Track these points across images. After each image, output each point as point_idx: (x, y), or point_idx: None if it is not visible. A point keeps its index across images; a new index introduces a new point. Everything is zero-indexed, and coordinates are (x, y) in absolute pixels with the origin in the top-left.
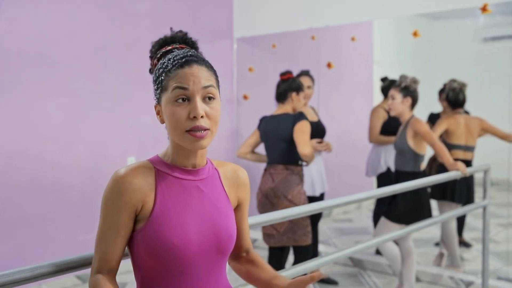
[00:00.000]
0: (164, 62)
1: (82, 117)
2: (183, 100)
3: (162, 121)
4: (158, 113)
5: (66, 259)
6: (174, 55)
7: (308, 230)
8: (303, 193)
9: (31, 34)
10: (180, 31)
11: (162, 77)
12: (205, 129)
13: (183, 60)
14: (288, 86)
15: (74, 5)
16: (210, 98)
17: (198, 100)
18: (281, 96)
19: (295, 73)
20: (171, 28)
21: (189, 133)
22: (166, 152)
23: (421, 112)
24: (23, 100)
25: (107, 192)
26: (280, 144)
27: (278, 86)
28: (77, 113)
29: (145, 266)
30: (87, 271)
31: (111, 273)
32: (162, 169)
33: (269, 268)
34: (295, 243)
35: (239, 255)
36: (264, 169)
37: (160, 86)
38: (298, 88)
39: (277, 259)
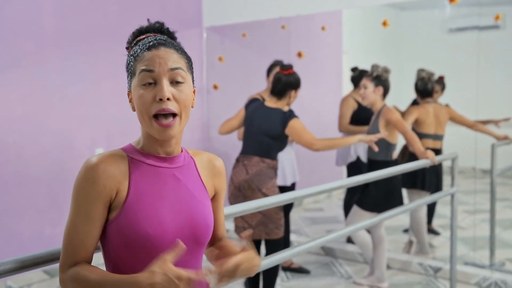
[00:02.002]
0: (134, 48)
1: (46, 108)
2: (150, 83)
3: (134, 108)
4: (130, 100)
5: (32, 255)
6: (144, 41)
7: (281, 223)
8: (276, 187)
9: None
10: (157, 22)
11: (132, 63)
12: (173, 114)
13: (151, 43)
14: (289, 83)
15: None
16: (178, 82)
17: (165, 82)
18: (281, 92)
19: (267, 63)
20: (148, 20)
21: (156, 121)
22: (139, 140)
23: (389, 101)
24: None
25: (79, 181)
26: (261, 137)
27: (278, 80)
28: (41, 104)
29: (117, 258)
30: (54, 266)
31: (88, 263)
32: (135, 157)
33: (236, 249)
34: (267, 236)
35: (212, 243)
36: (237, 159)
37: (130, 72)
38: (298, 85)
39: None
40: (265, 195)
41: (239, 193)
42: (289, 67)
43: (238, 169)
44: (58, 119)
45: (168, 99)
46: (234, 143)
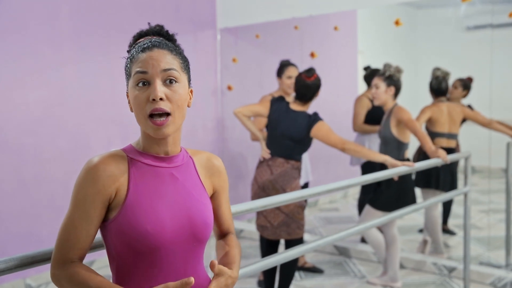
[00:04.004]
0: (131, 51)
1: (63, 110)
2: (143, 84)
3: (132, 109)
4: (129, 101)
5: (42, 250)
6: (139, 44)
7: (302, 223)
8: (299, 188)
9: (10, 24)
10: (158, 25)
11: (128, 65)
12: (166, 113)
13: (145, 45)
14: (317, 87)
15: None
16: (171, 81)
17: (158, 82)
18: (309, 98)
19: (277, 62)
20: (149, 23)
21: (150, 120)
22: (138, 141)
23: (405, 101)
24: (2, 93)
25: (80, 180)
26: (285, 141)
27: (307, 87)
28: (58, 106)
29: (120, 256)
30: None
31: (81, 260)
32: (135, 157)
33: (231, 255)
34: (288, 237)
35: (222, 235)
36: (260, 160)
37: (127, 74)
38: (320, 86)
39: (273, 250)
40: None
41: (262, 193)
42: (313, 72)
43: (262, 169)
44: (75, 121)
45: (161, 99)
46: (249, 144)
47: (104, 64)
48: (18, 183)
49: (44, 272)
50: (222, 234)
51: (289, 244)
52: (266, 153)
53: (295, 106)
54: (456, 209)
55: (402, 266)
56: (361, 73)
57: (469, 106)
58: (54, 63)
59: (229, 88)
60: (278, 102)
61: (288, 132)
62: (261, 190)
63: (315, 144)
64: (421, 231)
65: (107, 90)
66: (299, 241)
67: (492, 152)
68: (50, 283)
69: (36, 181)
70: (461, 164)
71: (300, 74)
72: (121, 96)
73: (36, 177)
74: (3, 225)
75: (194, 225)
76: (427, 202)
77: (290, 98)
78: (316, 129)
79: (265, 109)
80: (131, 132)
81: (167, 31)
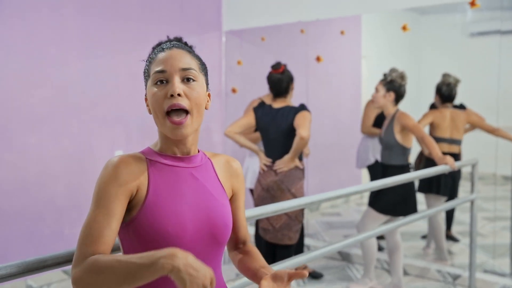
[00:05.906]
0: (150, 54)
1: (67, 110)
2: (162, 82)
3: (150, 111)
4: (148, 104)
5: (53, 254)
6: (159, 47)
7: (300, 227)
8: (303, 188)
9: (14, 23)
10: (176, 38)
11: (147, 66)
12: (185, 112)
13: (164, 46)
14: (289, 78)
15: None
16: (189, 79)
17: (176, 79)
18: (285, 90)
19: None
20: (167, 36)
21: (168, 119)
22: (156, 143)
23: (408, 106)
24: (7, 92)
25: (101, 178)
26: (281, 140)
27: (279, 81)
28: (61, 105)
29: None
30: None
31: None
32: (154, 159)
33: (260, 258)
34: (290, 242)
35: (237, 246)
36: (262, 171)
37: (146, 76)
38: (292, 77)
39: (272, 253)
40: (294, 196)
41: (267, 194)
42: (280, 64)
43: (266, 171)
44: (78, 121)
45: (179, 95)
46: None
47: (109, 63)
48: (21, 183)
49: (45, 274)
50: (239, 242)
51: (284, 248)
52: (266, 162)
53: (278, 104)
54: (459, 215)
55: (405, 273)
56: (365, 77)
57: (462, 106)
58: (58, 62)
59: (234, 90)
60: (261, 108)
61: (280, 130)
62: (265, 191)
63: (318, 148)
64: (424, 237)
65: (111, 90)
66: (293, 245)
67: (497, 159)
68: (52, 284)
69: (39, 181)
70: (463, 170)
71: (269, 72)
72: (126, 96)
73: (39, 177)
74: (5, 225)
75: (214, 226)
76: (433, 209)
77: (270, 99)
78: (298, 115)
79: (251, 118)
80: (135, 132)
81: (185, 42)
